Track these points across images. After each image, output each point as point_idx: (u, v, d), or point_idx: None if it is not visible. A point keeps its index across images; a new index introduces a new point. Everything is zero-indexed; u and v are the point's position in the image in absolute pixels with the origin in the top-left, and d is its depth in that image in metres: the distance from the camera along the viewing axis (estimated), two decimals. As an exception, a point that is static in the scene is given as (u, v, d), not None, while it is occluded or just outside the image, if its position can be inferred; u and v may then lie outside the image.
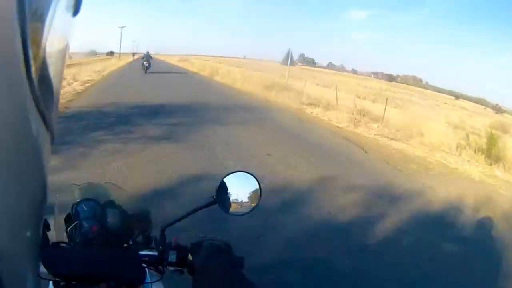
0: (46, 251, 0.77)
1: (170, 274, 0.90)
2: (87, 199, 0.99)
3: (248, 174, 0.92)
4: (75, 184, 1.06)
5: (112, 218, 0.97)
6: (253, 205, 0.93)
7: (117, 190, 1.13)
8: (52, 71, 0.26)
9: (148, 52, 21.30)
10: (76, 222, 0.95)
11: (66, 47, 0.29)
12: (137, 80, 15.76)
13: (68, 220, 0.98)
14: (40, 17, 0.23)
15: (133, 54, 45.35)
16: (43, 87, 0.24)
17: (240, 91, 15.96)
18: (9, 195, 0.23)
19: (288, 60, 16.70)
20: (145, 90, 11.91)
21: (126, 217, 0.96)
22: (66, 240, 0.96)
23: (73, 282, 0.78)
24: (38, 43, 0.23)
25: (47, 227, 0.91)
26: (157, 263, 0.89)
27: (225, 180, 0.89)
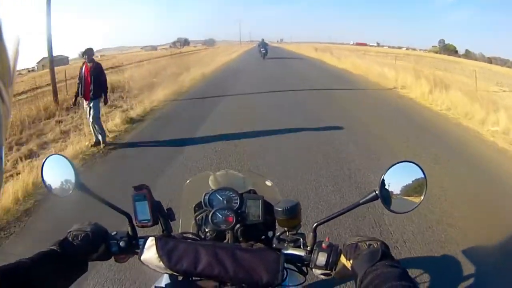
0: (164, 243, 0.70)
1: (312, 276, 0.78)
2: (224, 188, 0.92)
3: (413, 164, 0.74)
4: (209, 172, 1.01)
5: (252, 209, 0.88)
6: (418, 200, 0.74)
7: (260, 179, 1.04)
8: (8, 45, 0.26)
9: (263, 39, 22.74)
10: (208, 210, 0.89)
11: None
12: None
13: (198, 209, 0.93)
14: None
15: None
16: None
17: None
18: None
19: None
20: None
21: (269, 209, 0.86)
22: (193, 230, 0.91)
23: (194, 279, 0.70)
24: None
25: (171, 216, 0.87)
26: (302, 264, 0.78)
27: (388, 172, 0.73)
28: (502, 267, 2.28)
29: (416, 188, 0.75)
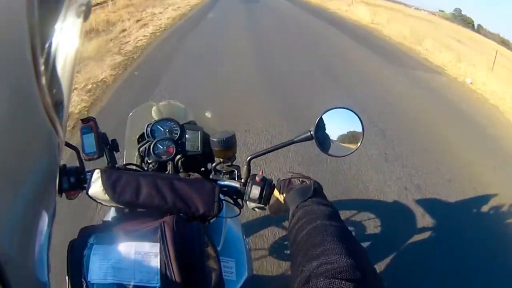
0: (109, 175, 0.69)
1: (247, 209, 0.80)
2: (165, 119, 0.91)
3: (350, 112, 0.74)
4: (152, 102, 0.99)
5: (191, 140, 0.89)
6: (354, 146, 0.75)
7: (200, 111, 1.05)
8: (62, 77, 0.26)
9: None
10: (150, 142, 0.88)
11: (77, 52, 0.28)
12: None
13: (141, 140, 0.92)
14: (50, 22, 0.23)
15: None
16: (52, 93, 0.24)
17: None
18: (14, 194, 0.22)
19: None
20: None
21: (207, 140, 0.86)
22: (136, 162, 0.90)
23: (138, 210, 0.70)
24: (48, 48, 0.23)
25: (115, 147, 0.86)
26: (237, 197, 0.79)
27: (324, 116, 0.73)
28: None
29: (352, 136, 0.75)
